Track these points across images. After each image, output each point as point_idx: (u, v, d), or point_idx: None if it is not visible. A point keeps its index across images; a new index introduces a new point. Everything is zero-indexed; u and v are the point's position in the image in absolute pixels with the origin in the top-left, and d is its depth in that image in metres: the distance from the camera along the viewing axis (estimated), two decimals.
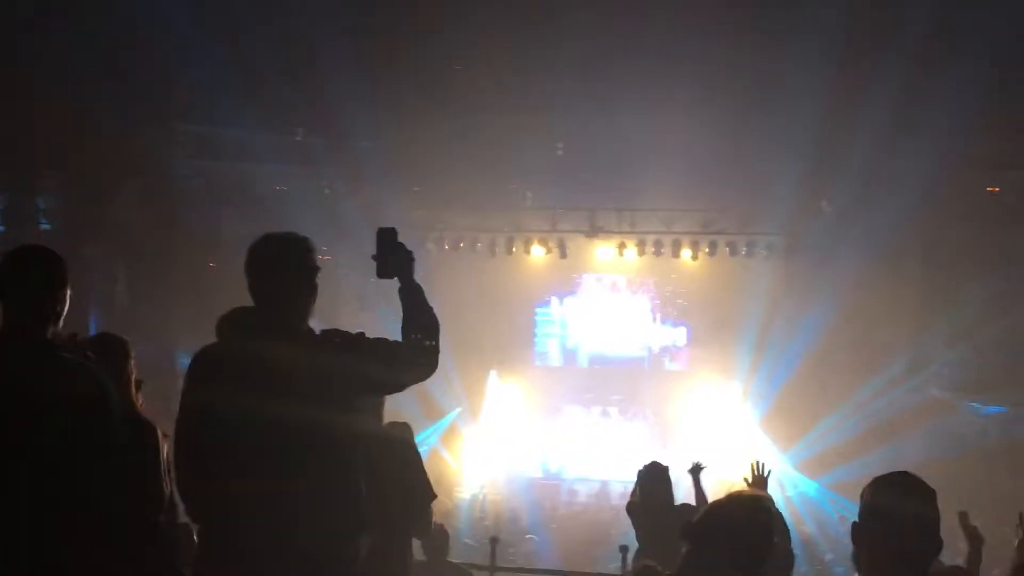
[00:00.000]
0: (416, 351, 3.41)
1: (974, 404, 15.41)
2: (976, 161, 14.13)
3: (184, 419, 3.36)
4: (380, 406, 4.86)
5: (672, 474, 6.77)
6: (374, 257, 3.56)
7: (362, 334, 3.39)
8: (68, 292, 3.37)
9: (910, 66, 12.04)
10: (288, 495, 3.21)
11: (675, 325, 18.76)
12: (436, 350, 3.44)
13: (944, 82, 11.94)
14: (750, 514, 3.15)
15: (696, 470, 6.89)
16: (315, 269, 3.48)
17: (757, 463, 6.02)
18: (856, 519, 3.02)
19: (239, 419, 3.21)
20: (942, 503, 2.94)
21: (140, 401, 4.40)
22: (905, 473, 3.06)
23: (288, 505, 3.20)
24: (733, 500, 3.19)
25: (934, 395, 15.79)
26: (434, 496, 5.16)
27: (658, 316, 18.83)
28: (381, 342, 3.39)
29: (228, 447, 3.22)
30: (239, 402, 3.20)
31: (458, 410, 18.24)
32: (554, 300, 19.06)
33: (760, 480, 5.91)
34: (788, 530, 4.93)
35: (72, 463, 3.10)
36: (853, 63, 12.07)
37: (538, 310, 19.04)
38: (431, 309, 3.50)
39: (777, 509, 3.29)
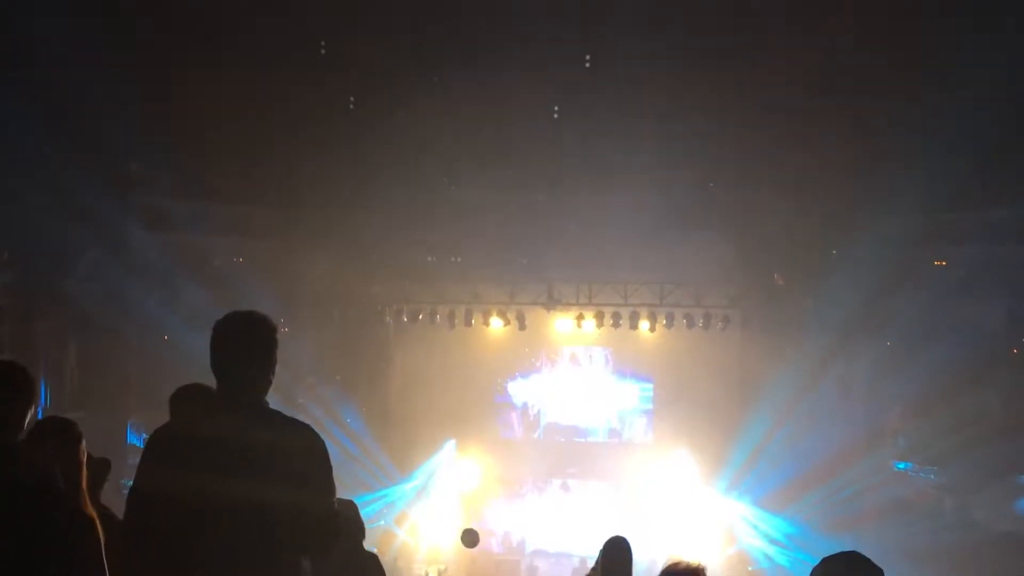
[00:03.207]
0: (335, 527, 3.41)
1: (930, 476, 15.53)
2: (923, 236, 14.48)
3: (139, 499, 3.30)
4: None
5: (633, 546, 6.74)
6: None
7: (323, 461, 3.35)
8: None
9: (862, 146, 12.43)
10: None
11: (639, 380, 18.80)
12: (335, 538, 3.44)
13: (893, 160, 12.31)
14: None
15: None
16: (276, 348, 3.49)
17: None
18: None
19: (195, 499, 3.17)
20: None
21: (102, 484, 4.34)
22: (854, 553, 3.10)
23: None
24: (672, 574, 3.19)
25: (892, 468, 15.92)
26: None
27: (615, 377, 18.91)
28: (327, 491, 3.36)
29: (184, 528, 3.17)
30: (196, 482, 3.16)
31: (414, 481, 18.07)
32: (512, 384, 19.06)
33: None
34: None
35: (22, 560, 3.03)
36: (804, 143, 12.40)
37: (500, 390, 19.03)
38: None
39: None
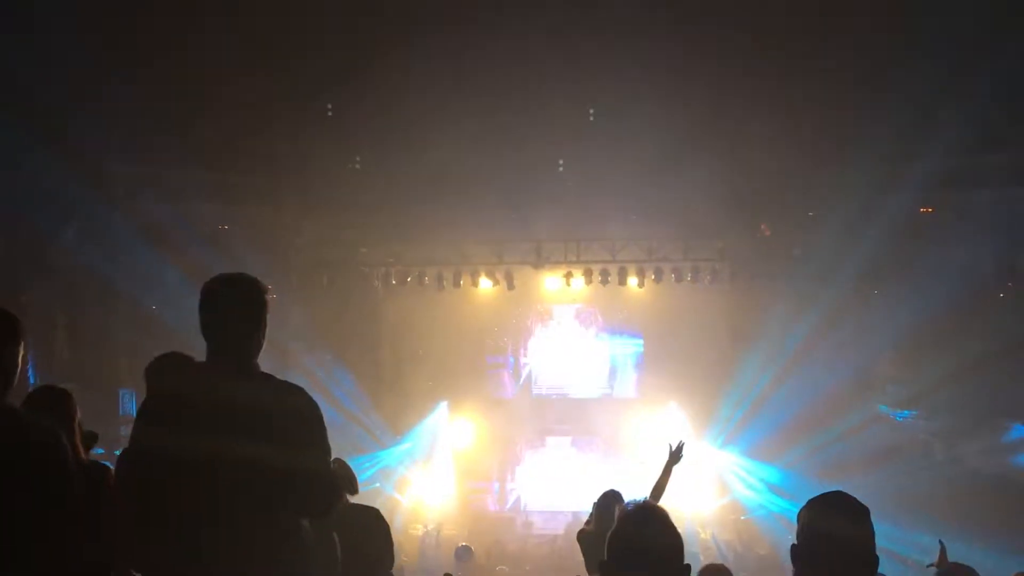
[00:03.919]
0: (334, 487, 3.47)
1: (920, 422, 15.68)
2: (910, 181, 14.46)
3: (135, 462, 3.29)
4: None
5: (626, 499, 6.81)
6: None
7: (318, 422, 3.35)
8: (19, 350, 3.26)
9: (846, 91, 12.36)
10: (232, 538, 3.16)
11: (629, 336, 18.86)
12: (336, 498, 3.53)
13: (879, 104, 12.26)
14: (649, 525, 3.10)
15: (677, 452, 7.14)
16: (266, 310, 3.46)
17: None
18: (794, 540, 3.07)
19: (192, 462, 3.16)
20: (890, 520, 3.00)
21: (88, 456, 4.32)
22: (840, 493, 3.12)
23: (231, 551, 3.15)
24: (626, 521, 3.13)
25: (880, 413, 16.05)
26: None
27: (605, 333, 18.95)
28: (323, 452, 3.36)
29: (181, 491, 3.16)
30: (192, 445, 3.15)
31: (408, 443, 18.15)
32: (502, 343, 19.09)
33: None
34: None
35: (29, 519, 2.99)
36: (791, 92, 12.34)
37: (490, 350, 19.06)
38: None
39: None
